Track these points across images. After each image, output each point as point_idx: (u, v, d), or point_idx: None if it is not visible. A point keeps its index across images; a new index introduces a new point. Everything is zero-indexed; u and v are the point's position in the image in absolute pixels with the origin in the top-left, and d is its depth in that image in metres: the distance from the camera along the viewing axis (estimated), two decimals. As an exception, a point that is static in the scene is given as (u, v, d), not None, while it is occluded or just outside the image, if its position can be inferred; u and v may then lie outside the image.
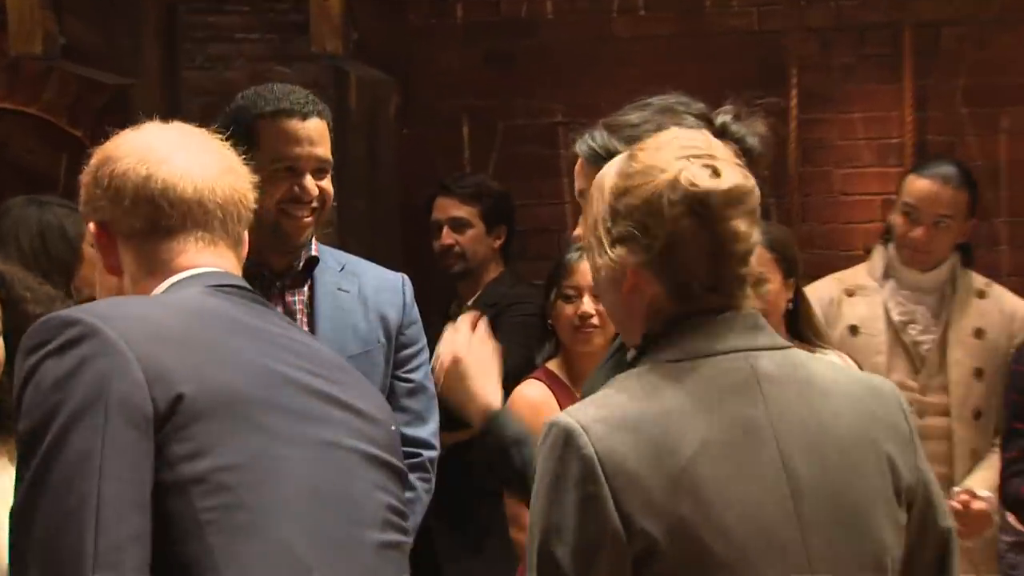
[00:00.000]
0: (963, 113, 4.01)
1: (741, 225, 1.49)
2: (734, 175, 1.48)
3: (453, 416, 2.41)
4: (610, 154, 1.81)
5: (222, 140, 1.55)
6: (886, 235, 3.19)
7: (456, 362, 1.82)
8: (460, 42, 4.31)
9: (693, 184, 1.46)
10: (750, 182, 1.49)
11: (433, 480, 2.25)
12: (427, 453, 2.24)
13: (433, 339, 2.08)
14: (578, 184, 1.89)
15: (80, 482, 1.24)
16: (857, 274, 3.22)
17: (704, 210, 1.47)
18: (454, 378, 1.84)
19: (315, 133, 2.18)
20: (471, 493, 2.88)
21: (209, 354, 1.35)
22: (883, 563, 1.49)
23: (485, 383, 1.85)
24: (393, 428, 1.55)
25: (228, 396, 1.34)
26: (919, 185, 3.05)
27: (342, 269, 2.25)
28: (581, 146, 1.87)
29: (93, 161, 1.50)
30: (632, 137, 1.82)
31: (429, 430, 2.27)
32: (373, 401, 1.56)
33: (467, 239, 3.45)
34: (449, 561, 3.19)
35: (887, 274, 3.13)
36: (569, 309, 2.72)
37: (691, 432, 1.45)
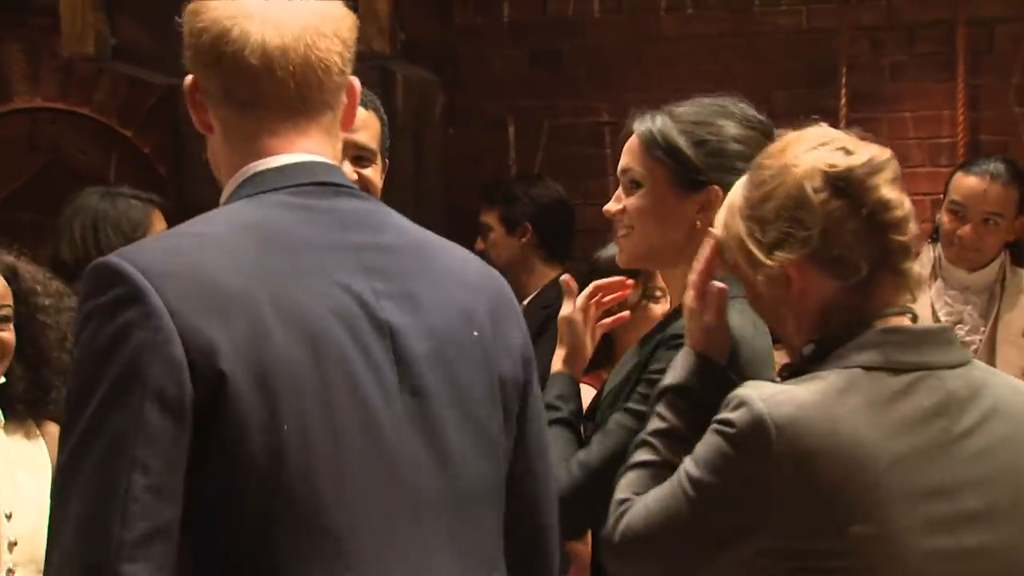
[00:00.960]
0: (1017, 112, 4.00)
1: (889, 192, 1.50)
2: (867, 149, 1.50)
3: None
4: (667, 141, 1.84)
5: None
6: (934, 234, 3.18)
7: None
8: (506, 42, 4.39)
9: (831, 165, 1.49)
10: (886, 153, 1.51)
11: None
12: None
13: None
14: (625, 160, 1.91)
15: (111, 472, 1.26)
16: None
17: (848, 186, 1.49)
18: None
19: (356, 121, 2.21)
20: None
21: (265, 313, 1.31)
22: None
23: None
24: (476, 334, 1.47)
25: (275, 372, 1.31)
26: (966, 182, 3.03)
27: None
28: (640, 126, 1.88)
29: (189, 7, 1.45)
30: (690, 133, 1.86)
31: None
32: (451, 307, 1.46)
33: (490, 243, 3.57)
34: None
35: (935, 274, 3.12)
36: (658, 310, 2.72)
37: (885, 450, 1.47)
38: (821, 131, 1.57)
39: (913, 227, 1.53)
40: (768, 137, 1.90)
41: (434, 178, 4.20)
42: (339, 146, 1.49)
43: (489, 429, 1.45)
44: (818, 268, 1.51)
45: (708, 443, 1.50)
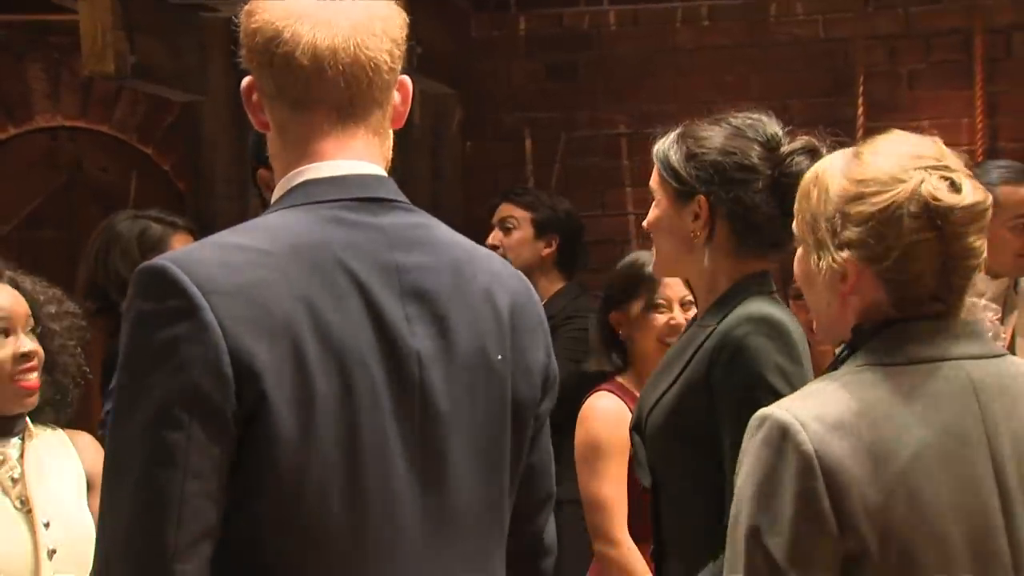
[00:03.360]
0: (1035, 119, 4.05)
1: (976, 241, 1.52)
2: (974, 191, 1.52)
3: None
4: (665, 157, 2.02)
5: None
6: None
7: None
8: (522, 55, 4.45)
9: (935, 199, 1.50)
10: (988, 198, 1.54)
11: None
12: None
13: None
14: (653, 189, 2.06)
15: (164, 477, 1.33)
16: None
17: (945, 225, 1.50)
18: None
19: None
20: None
21: (306, 340, 1.39)
22: None
23: None
24: (500, 357, 1.52)
25: (309, 398, 1.39)
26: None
27: None
28: (662, 157, 2.05)
29: (244, 8, 1.50)
30: (681, 148, 2.02)
31: None
32: (479, 329, 1.51)
33: (512, 240, 3.57)
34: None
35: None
36: (660, 319, 2.82)
37: (908, 439, 1.49)
38: (928, 146, 1.58)
39: (979, 274, 1.58)
40: (768, 145, 2.02)
41: (452, 191, 4.26)
42: (388, 143, 1.52)
43: (495, 452, 1.51)
44: (877, 279, 1.54)
45: (746, 492, 1.55)
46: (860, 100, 4.05)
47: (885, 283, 1.53)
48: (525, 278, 1.64)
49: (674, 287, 2.78)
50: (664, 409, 2.04)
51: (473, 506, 1.50)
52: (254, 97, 1.51)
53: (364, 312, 1.42)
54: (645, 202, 2.15)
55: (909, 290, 1.53)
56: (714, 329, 2.01)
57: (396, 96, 1.52)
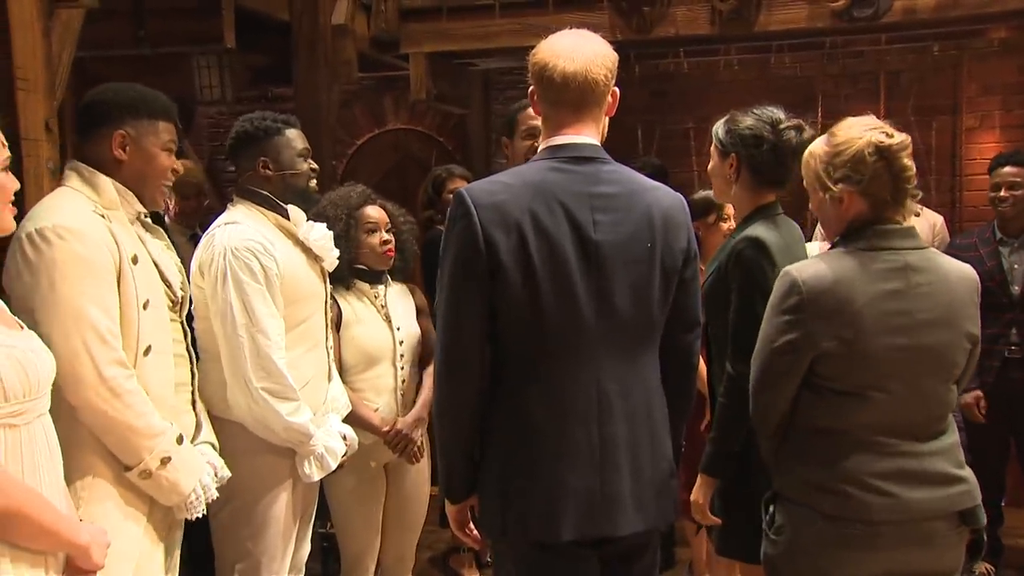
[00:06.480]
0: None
1: (907, 160, 1.88)
2: (898, 134, 1.87)
3: None
4: (715, 132, 2.38)
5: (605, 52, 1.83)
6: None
7: None
8: (635, 84, 5.64)
9: (880, 142, 1.85)
10: (907, 136, 1.88)
11: None
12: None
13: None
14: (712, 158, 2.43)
15: (458, 299, 1.77)
16: None
17: (888, 154, 1.85)
18: None
19: None
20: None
21: (528, 232, 1.75)
22: (953, 373, 1.93)
23: None
24: (649, 245, 1.83)
25: (530, 263, 1.75)
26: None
27: None
28: (715, 133, 2.40)
29: (532, 52, 1.86)
30: (723, 126, 2.38)
31: None
32: (638, 229, 1.83)
33: None
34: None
35: None
36: (724, 226, 3.56)
37: (862, 292, 1.83)
38: (867, 119, 1.91)
39: (913, 178, 1.86)
40: (773, 125, 2.34)
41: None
42: (600, 126, 1.90)
43: (643, 293, 1.88)
44: (859, 197, 1.87)
45: (768, 314, 1.90)
46: (819, 109, 5.53)
47: (864, 199, 1.86)
48: (680, 198, 1.96)
49: (730, 209, 3.45)
50: (709, 279, 2.39)
51: (627, 321, 1.86)
52: (534, 97, 1.89)
53: (565, 219, 1.81)
54: (703, 162, 2.75)
55: (878, 199, 1.85)
56: (734, 240, 2.33)
57: (609, 99, 1.91)
